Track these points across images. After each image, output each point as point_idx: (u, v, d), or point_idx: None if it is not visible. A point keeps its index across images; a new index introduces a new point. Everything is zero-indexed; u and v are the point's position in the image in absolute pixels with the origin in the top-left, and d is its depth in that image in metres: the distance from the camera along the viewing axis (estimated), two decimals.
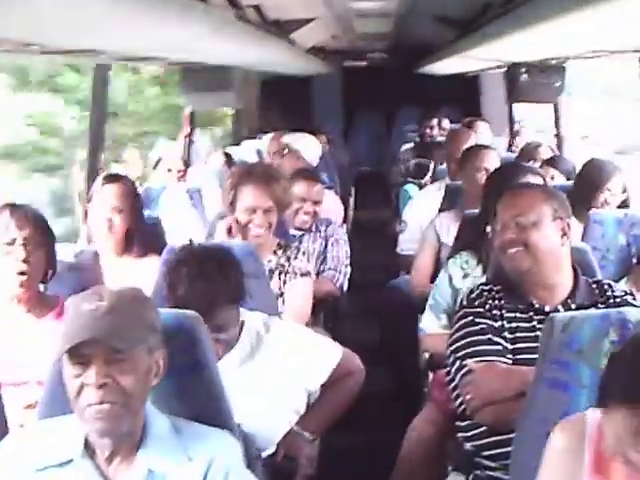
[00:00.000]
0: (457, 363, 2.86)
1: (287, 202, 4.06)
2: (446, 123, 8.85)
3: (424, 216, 5.23)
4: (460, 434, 2.92)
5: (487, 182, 4.08)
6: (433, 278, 4.22)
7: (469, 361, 2.82)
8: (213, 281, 2.84)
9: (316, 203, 4.98)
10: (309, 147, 6.70)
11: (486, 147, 5.27)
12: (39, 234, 3.14)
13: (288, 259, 3.95)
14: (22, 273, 3.08)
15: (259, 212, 3.88)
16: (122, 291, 2.19)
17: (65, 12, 2.59)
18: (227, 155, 7.01)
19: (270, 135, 7.52)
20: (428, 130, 8.65)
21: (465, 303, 2.98)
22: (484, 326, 2.87)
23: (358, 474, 4.34)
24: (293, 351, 3.10)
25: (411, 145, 8.59)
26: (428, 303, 3.88)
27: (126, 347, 2.09)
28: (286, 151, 6.41)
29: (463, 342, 2.88)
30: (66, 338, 2.09)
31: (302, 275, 3.93)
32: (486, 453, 2.81)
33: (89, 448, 2.18)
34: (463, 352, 2.86)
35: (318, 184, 5.10)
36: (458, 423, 2.92)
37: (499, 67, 7.65)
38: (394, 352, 5.16)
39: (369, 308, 5.88)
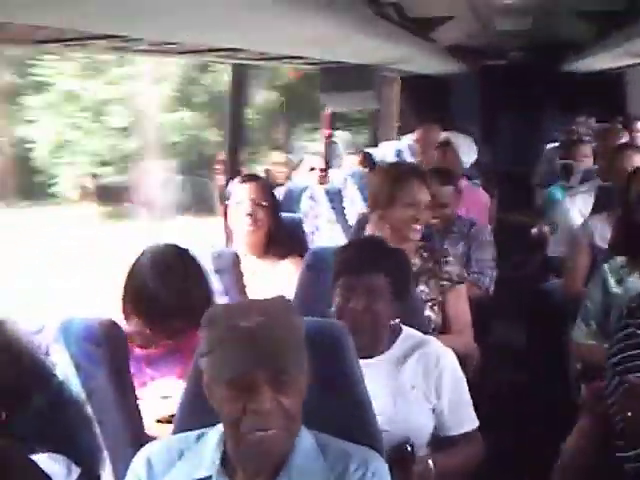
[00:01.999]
0: (616, 378, 2.66)
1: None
2: (592, 122, 8.57)
3: (575, 218, 5.04)
4: (618, 454, 2.72)
5: (629, 181, 3.91)
6: (586, 282, 4.02)
7: (630, 376, 2.62)
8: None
9: (442, 206, 4.71)
10: (466, 147, 6.53)
11: (637, 147, 5.05)
12: None
13: (437, 262, 3.75)
14: None
15: (422, 208, 3.69)
16: (275, 303, 2.05)
17: (202, 9, 2.51)
18: (367, 155, 6.90)
19: (422, 127, 7.37)
20: (575, 128, 8.40)
21: (625, 313, 2.78)
22: None
23: None
24: (439, 385, 2.91)
25: (556, 145, 8.35)
26: (580, 310, 3.71)
27: (294, 369, 1.97)
28: (447, 145, 6.24)
29: (623, 355, 2.67)
30: (227, 362, 1.96)
31: (459, 282, 3.75)
32: None
33: (227, 466, 2.06)
34: (623, 366, 2.66)
35: (447, 186, 4.84)
36: (617, 442, 2.72)
37: None
38: (542, 359, 4.95)
39: (516, 312, 5.67)
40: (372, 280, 2.83)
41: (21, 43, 2.63)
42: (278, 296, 2.09)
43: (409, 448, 2.68)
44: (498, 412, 3.24)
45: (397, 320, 2.95)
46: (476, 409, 3.00)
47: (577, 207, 5.26)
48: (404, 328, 2.99)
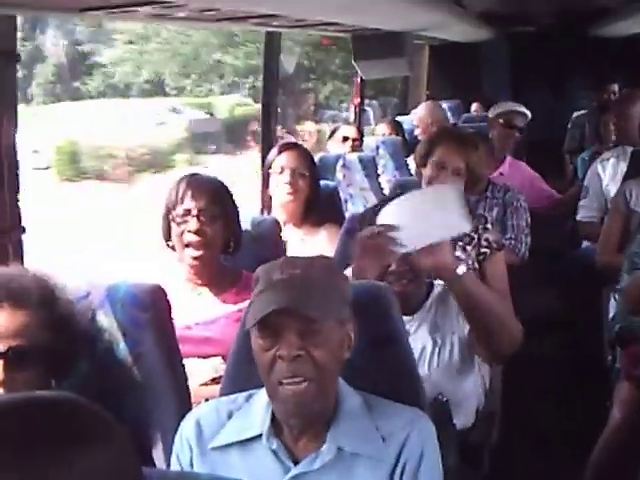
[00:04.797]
0: None
1: (480, 172, 3.87)
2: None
3: (607, 183, 5.02)
4: None
5: None
6: (621, 248, 4.01)
7: None
8: None
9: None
10: None
11: None
12: (216, 204, 3.06)
13: (476, 229, 3.75)
14: (196, 245, 3.02)
15: (448, 170, 3.75)
16: (314, 260, 2.08)
17: None
18: (397, 124, 6.89)
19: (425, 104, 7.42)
20: (604, 95, 8.35)
21: None
22: None
23: (540, 450, 4.17)
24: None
25: (585, 111, 8.30)
26: (623, 266, 3.66)
27: (321, 317, 1.98)
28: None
29: None
30: (258, 308, 1.99)
31: (498, 249, 3.72)
32: None
33: (275, 426, 2.09)
34: None
35: None
36: None
37: None
38: (576, 324, 4.95)
39: (550, 278, 5.66)
40: None
41: (66, 11, 2.64)
42: (322, 256, 2.12)
43: (443, 399, 2.72)
44: (533, 381, 3.25)
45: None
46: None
47: (608, 172, 5.23)
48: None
